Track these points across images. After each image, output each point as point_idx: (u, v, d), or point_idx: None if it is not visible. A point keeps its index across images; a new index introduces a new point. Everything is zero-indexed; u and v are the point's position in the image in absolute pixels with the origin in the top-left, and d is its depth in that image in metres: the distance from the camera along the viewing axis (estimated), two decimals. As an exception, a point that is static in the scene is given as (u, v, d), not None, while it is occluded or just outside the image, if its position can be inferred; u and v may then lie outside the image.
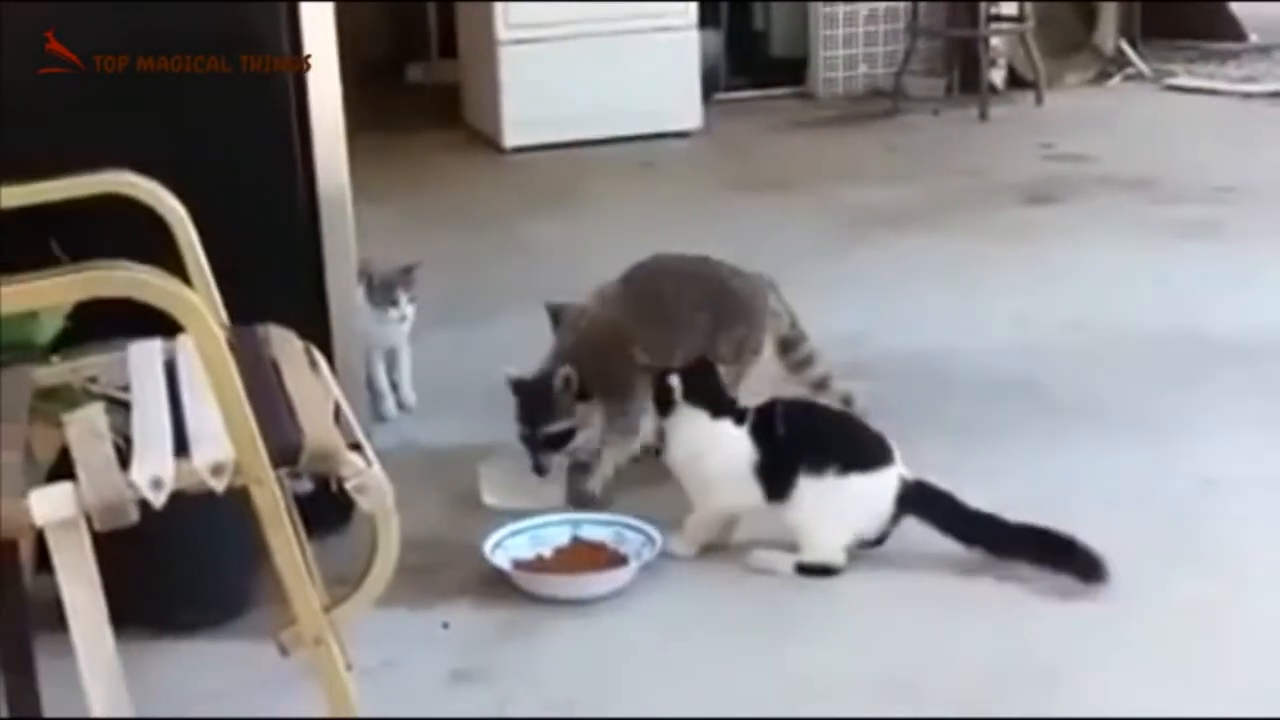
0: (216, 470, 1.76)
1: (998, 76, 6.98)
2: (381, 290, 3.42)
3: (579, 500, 2.99)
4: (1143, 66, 7.40)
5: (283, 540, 1.79)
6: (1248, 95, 6.94)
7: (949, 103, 6.89)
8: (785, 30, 7.29)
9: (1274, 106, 6.75)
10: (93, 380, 2.29)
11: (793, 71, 7.22)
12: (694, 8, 6.36)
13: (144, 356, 2.16)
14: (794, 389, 3.17)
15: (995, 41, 6.93)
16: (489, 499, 3.03)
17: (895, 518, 2.70)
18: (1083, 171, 5.65)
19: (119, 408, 2.05)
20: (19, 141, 2.54)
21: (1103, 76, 7.37)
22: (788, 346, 3.22)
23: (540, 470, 2.98)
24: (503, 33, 6.14)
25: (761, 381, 3.10)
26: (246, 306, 2.27)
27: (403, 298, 3.44)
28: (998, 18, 6.93)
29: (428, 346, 3.64)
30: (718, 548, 2.81)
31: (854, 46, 7.15)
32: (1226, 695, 2.32)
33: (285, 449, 1.81)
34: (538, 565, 2.75)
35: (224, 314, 2.23)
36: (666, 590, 2.69)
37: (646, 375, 2.92)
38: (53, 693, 2.09)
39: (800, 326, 3.23)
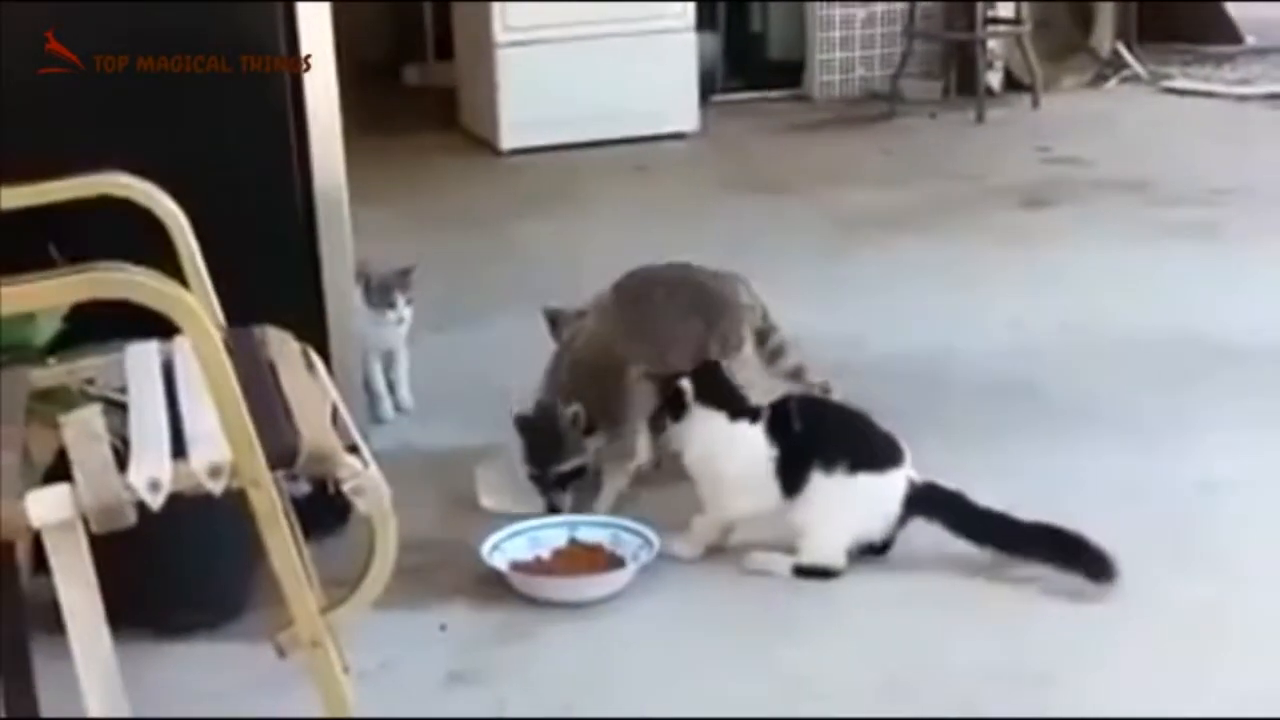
0: (214, 472, 1.76)
1: (994, 79, 6.98)
2: (379, 292, 3.41)
3: (578, 508, 2.98)
4: (1139, 69, 7.40)
5: (280, 542, 1.78)
6: (1244, 97, 6.93)
7: (946, 105, 6.89)
8: (782, 32, 7.28)
9: (1270, 109, 6.75)
10: (90, 382, 2.29)
11: (790, 74, 7.22)
12: (691, 10, 6.35)
13: (141, 358, 2.15)
14: (770, 381, 3.15)
15: (992, 44, 6.92)
16: (486, 501, 3.02)
17: (903, 520, 2.69)
18: (1079, 174, 5.65)
19: (116, 409, 2.04)
20: (18, 141, 2.54)
21: (1099, 79, 7.37)
22: (762, 338, 3.23)
23: (555, 510, 2.92)
24: (500, 34, 6.13)
25: (747, 369, 3.09)
26: (243, 308, 2.26)
27: (400, 299, 3.44)
28: (994, 20, 6.93)
29: (425, 348, 3.64)
30: (715, 550, 2.80)
31: (851, 49, 7.15)
32: (1226, 695, 2.32)
33: (282, 451, 1.80)
34: (535, 567, 2.75)
35: (221, 315, 2.23)
36: (664, 592, 2.69)
37: (643, 394, 2.91)
38: (50, 694, 2.08)
39: (771, 318, 3.24)
